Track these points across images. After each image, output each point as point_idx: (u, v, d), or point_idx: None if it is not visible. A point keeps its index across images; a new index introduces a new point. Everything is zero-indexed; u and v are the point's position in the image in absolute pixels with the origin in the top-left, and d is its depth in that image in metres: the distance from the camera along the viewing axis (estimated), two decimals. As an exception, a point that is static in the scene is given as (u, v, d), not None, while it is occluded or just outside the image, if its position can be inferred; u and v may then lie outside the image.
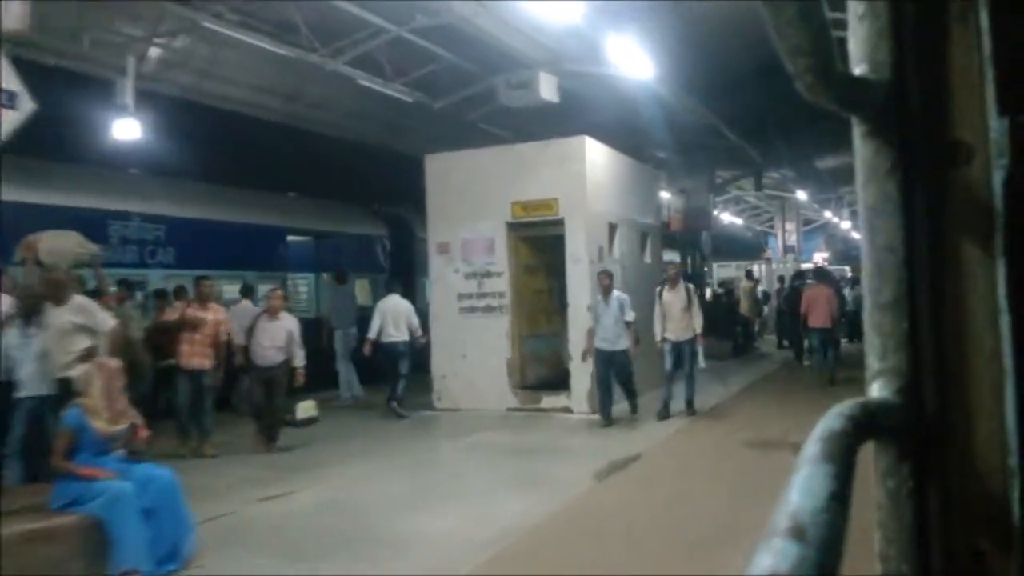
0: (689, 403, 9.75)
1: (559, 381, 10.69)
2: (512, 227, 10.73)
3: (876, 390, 0.78)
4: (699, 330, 9.63)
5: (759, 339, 19.38)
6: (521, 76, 10.53)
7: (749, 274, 19.80)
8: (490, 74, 11.09)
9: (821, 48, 0.64)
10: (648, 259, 12.67)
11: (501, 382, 10.51)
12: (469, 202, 10.78)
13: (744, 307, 18.05)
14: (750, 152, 16.52)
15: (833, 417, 0.63)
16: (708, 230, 20.04)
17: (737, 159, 17.93)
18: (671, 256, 25.17)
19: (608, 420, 9.30)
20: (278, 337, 8.53)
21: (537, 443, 8.77)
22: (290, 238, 13.45)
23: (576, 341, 9.96)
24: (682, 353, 9.56)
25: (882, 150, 0.77)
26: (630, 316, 9.19)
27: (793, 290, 16.35)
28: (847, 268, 27.70)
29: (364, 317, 11.23)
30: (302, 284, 13.99)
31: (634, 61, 9.68)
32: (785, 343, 18.07)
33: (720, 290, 20.26)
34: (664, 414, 9.44)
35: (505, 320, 10.62)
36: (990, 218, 0.75)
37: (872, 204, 0.78)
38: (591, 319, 9.39)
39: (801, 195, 23.17)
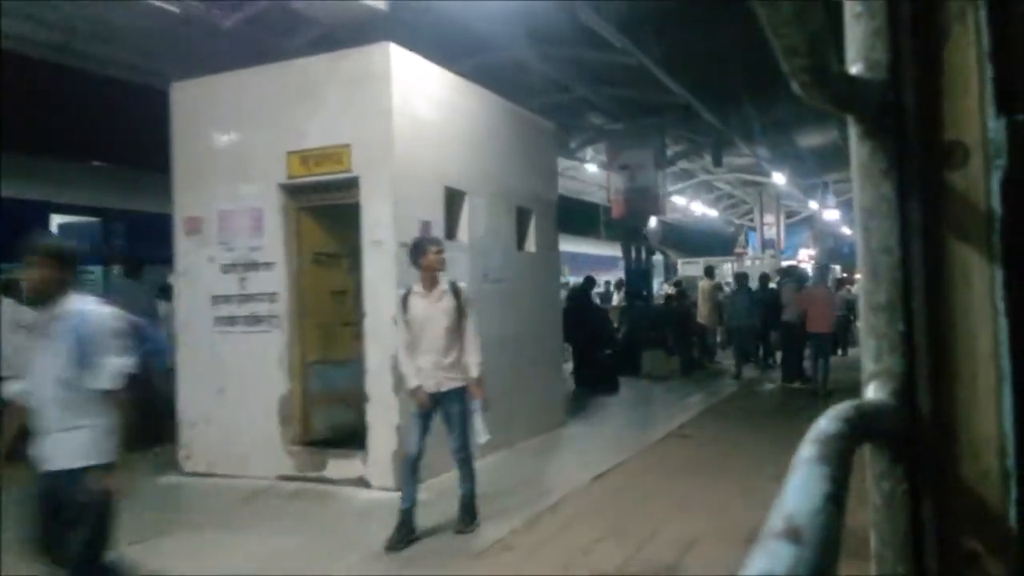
0: (464, 512, 5.17)
1: (359, 433, 6.54)
2: (290, 192, 6.72)
3: (871, 392, 0.78)
4: (475, 372, 5.07)
5: (719, 352, 15.76)
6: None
7: (709, 272, 15.42)
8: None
9: (817, 48, 0.64)
10: (532, 247, 8.60)
11: (272, 434, 6.65)
12: (228, 154, 6.94)
13: (702, 313, 14.44)
14: (705, 116, 12.45)
15: (828, 419, 0.63)
16: (658, 215, 15.72)
17: (693, 127, 14.30)
18: (605, 250, 21.32)
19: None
20: None
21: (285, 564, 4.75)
22: (61, 218, 9.95)
23: (377, 370, 6.20)
24: (448, 416, 5.05)
25: (878, 150, 0.77)
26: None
27: (766, 292, 13.73)
28: (836, 267, 24.06)
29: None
30: (86, 279, 9.97)
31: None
32: (753, 358, 14.70)
33: (671, 290, 15.98)
34: (400, 538, 4.90)
35: (279, 338, 6.68)
36: (987, 219, 0.74)
37: (868, 205, 0.78)
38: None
39: (779, 179, 18.48)
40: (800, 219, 27.12)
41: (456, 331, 5.03)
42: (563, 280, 16.09)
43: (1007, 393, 0.74)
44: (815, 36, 0.63)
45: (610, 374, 11.58)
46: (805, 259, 25.81)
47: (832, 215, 23.88)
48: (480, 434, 5.11)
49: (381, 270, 6.27)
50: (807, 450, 0.57)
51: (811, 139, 15.75)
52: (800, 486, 0.52)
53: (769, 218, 23.96)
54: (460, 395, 5.05)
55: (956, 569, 0.76)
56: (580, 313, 11.69)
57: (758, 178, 20.58)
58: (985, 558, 0.75)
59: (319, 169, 6.56)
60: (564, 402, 9.41)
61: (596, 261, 23.65)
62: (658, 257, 25.92)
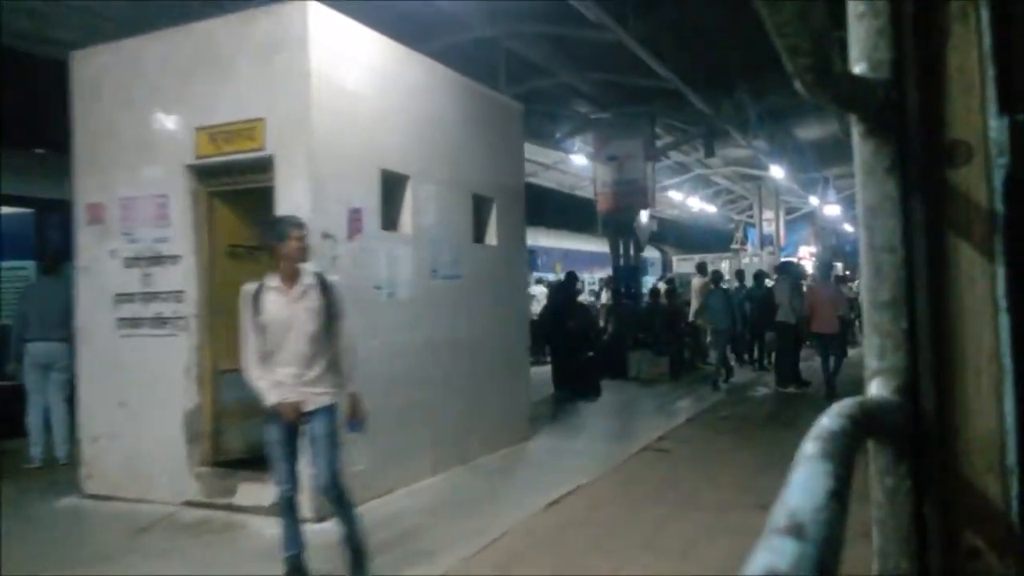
0: (353, 565, 3.90)
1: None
2: (199, 174, 5.79)
3: (874, 389, 0.78)
4: (350, 387, 4.02)
5: (713, 353, 14.43)
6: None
7: (702, 269, 14.35)
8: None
9: (820, 47, 0.64)
10: (493, 240, 7.55)
11: (178, 453, 5.70)
12: (130, 132, 5.97)
13: (695, 311, 13.53)
14: (693, 101, 11.45)
15: (831, 416, 0.63)
16: (647, 208, 14.31)
17: (685, 116, 13.31)
18: (601, 247, 19.08)
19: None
20: None
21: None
22: None
23: None
24: (314, 442, 3.89)
25: (881, 149, 0.77)
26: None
27: (758, 290, 12.94)
28: (838, 265, 22.90)
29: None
30: (12, 277, 9.19)
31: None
32: (747, 357, 14.10)
33: (661, 286, 15.01)
34: None
35: (186, 342, 5.73)
36: (989, 218, 0.75)
37: (871, 203, 0.78)
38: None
39: (777, 173, 17.33)
40: (800, 215, 26.02)
41: (324, 336, 3.95)
42: (554, 278, 15.41)
43: (1009, 390, 0.74)
44: (818, 36, 0.63)
45: (591, 377, 10.68)
46: (806, 256, 25.36)
47: (833, 210, 22.96)
48: (355, 462, 4.34)
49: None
50: (810, 446, 0.57)
51: (810, 131, 15.00)
52: (803, 482, 0.52)
53: (768, 214, 22.66)
54: (329, 415, 3.93)
55: (959, 565, 0.76)
56: (561, 312, 10.99)
57: (756, 172, 19.41)
58: (988, 554, 0.75)
59: (229, 147, 5.57)
60: (530, 412, 8.22)
61: (591, 258, 22.61)
62: (656, 254, 25.16)
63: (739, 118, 13.02)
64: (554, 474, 6.28)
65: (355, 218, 5.59)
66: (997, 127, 0.74)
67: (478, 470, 6.53)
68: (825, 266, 13.61)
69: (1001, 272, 0.74)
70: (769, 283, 13.14)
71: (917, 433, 0.77)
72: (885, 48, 0.77)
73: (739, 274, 15.28)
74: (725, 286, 16.42)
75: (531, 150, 15.21)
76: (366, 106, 5.81)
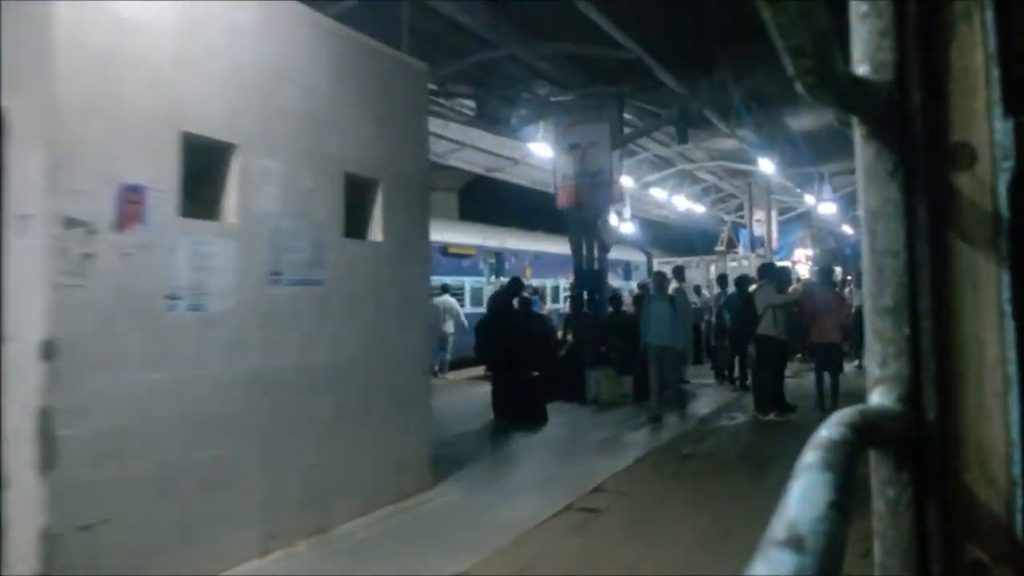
0: None
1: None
2: None
3: (876, 397, 0.77)
4: None
5: (685, 370, 11.99)
6: None
7: (679, 273, 12.46)
8: None
9: (823, 48, 0.63)
10: (377, 235, 5.97)
11: None
12: None
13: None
14: (664, 79, 9.88)
15: (832, 425, 0.62)
16: (613, 204, 12.69)
17: (660, 99, 11.50)
18: (553, 247, 17.52)
19: None
20: None
21: None
22: None
23: (18, 436, 3.54)
24: None
25: (884, 152, 0.77)
26: None
27: (738, 298, 11.08)
28: (837, 269, 20.02)
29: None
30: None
31: None
32: (727, 374, 12.34)
33: (630, 292, 13.45)
34: None
35: None
36: (994, 222, 0.74)
37: (873, 206, 0.77)
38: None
39: (766, 167, 15.42)
40: (795, 215, 24.05)
41: None
42: (526, 283, 13.23)
43: (1014, 399, 0.73)
44: (821, 36, 0.62)
45: (535, 402, 9.07)
46: (802, 259, 24.17)
47: (828, 209, 21.10)
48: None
49: (28, 265, 3.63)
50: (810, 456, 0.56)
51: (803, 121, 13.44)
52: (803, 493, 0.52)
53: (760, 214, 20.84)
54: None
55: (962, 578, 0.75)
56: (501, 326, 9.23)
57: (744, 166, 17.48)
58: (991, 567, 0.74)
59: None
60: (449, 450, 7.09)
61: (566, 261, 20.41)
62: (642, 257, 23.67)
63: (721, 101, 11.25)
64: (434, 549, 4.80)
65: (130, 200, 3.97)
66: (1002, 129, 0.73)
67: (332, 545, 4.87)
68: (824, 271, 12.07)
69: (1006, 277, 0.73)
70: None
71: (919, 442, 0.76)
72: (888, 49, 0.77)
73: (721, 279, 13.79)
74: (707, 293, 14.94)
75: (498, 143, 13.78)
76: (161, 45, 4.19)
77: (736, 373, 11.93)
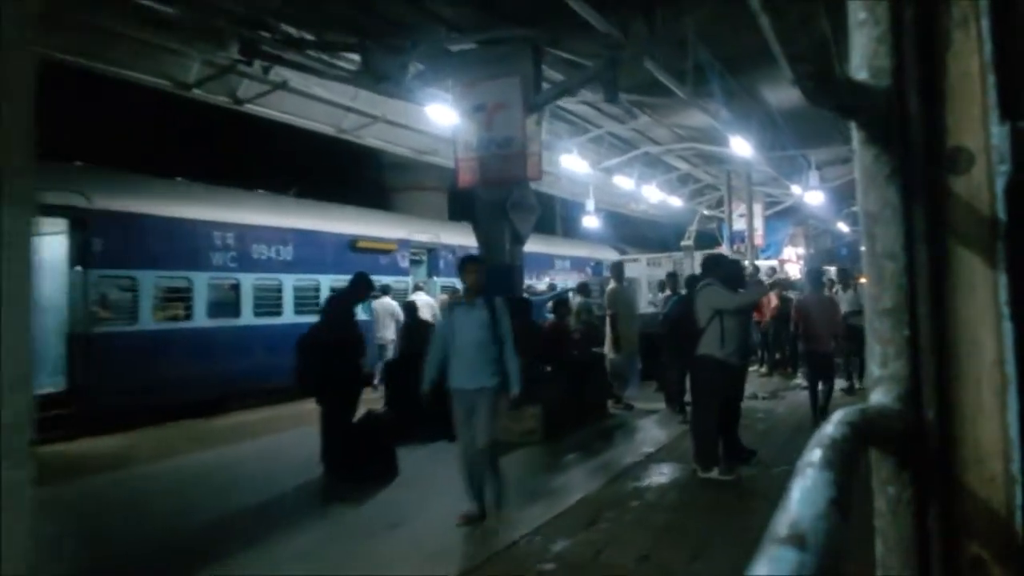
0: None
1: None
2: None
3: (876, 397, 0.78)
4: None
5: (634, 387, 9.96)
6: None
7: (617, 269, 10.32)
8: None
9: (821, 54, 0.64)
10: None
11: None
12: None
13: (614, 337, 9.61)
14: (586, 16, 7.12)
15: (833, 424, 0.63)
16: (528, 180, 8.95)
17: (588, 49, 8.64)
18: (579, 251, 15.57)
19: None
20: None
21: None
22: None
23: None
24: None
25: (882, 156, 0.77)
26: None
27: (680, 301, 8.76)
28: (831, 269, 16.51)
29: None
30: None
31: None
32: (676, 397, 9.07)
33: (573, 298, 11.24)
34: None
35: None
36: (991, 225, 0.74)
37: (872, 210, 0.78)
38: None
39: (741, 148, 12.44)
40: (783, 208, 21.12)
41: None
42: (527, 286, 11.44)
43: (1012, 398, 0.73)
44: (820, 43, 0.63)
45: (378, 447, 6.24)
46: (793, 259, 22.25)
47: (816, 199, 18.28)
48: None
49: None
50: (812, 455, 0.57)
51: (782, 95, 11.01)
52: (805, 492, 0.52)
53: (742, 207, 18.06)
54: None
55: (961, 575, 0.76)
56: (336, 346, 6.31)
57: (718, 149, 14.51)
58: (990, 564, 0.74)
59: None
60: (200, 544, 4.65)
61: (534, 259, 16.84)
62: (613, 254, 20.19)
63: (674, 61, 8.62)
64: None
65: None
66: (998, 134, 0.74)
67: None
68: (815, 273, 10.06)
69: (1003, 279, 0.74)
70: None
71: (919, 441, 0.77)
72: (886, 55, 0.77)
73: (670, 278, 11.06)
74: (658, 296, 12.09)
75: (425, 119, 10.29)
76: None
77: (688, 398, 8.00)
